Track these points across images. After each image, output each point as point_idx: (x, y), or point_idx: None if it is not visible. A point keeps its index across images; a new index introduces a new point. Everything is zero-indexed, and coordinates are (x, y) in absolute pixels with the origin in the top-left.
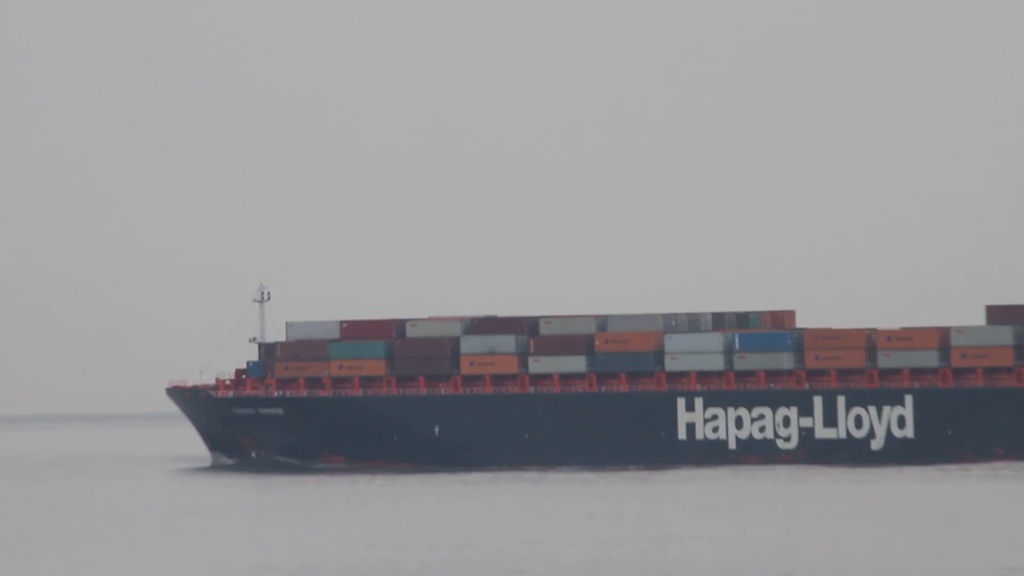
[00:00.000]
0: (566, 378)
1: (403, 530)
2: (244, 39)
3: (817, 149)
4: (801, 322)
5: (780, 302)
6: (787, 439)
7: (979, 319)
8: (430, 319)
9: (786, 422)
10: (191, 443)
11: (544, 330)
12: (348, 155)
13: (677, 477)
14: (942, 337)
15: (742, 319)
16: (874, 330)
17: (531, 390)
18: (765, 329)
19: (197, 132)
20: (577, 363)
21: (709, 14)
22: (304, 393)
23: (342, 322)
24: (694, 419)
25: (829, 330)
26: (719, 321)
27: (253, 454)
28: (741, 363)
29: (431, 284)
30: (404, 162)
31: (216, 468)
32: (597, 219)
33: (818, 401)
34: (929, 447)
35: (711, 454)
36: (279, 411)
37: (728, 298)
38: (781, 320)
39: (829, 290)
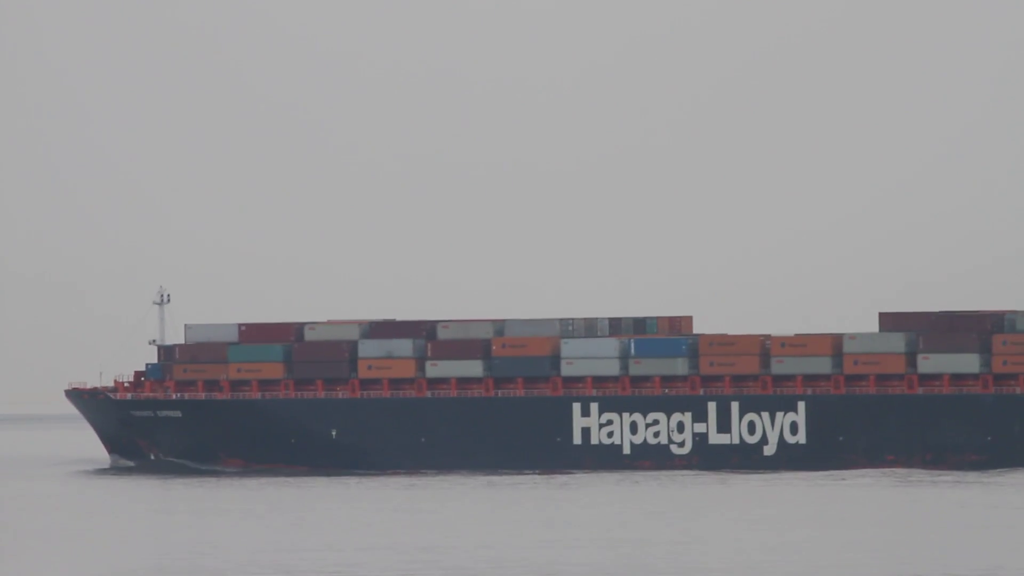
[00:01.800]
0: (463, 382)
1: (345, 533)
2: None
3: (712, 156)
4: (698, 328)
5: (679, 308)
6: (681, 444)
7: (872, 326)
8: (328, 323)
9: (680, 427)
10: (90, 445)
11: (442, 334)
12: (244, 157)
13: (607, 480)
14: (835, 344)
15: (639, 324)
16: (768, 336)
17: (428, 394)
18: (662, 335)
19: (94, 132)
20: (474, 367)
21: (597, 21)
22: (202, 395)
23: (241, 325)
24: (589, 424)
25: (724, 336)
26: (616, 326)
27: (152, 456)
28: (636, 368)
29: (330, 288)
30: (299, 165)
31: (115, 470)
32: (494, 223)
33: (712, 407)
34: (820, 453)
35: (606, 459)
36: (177, 413)
37: (628, 304)
38: (678, 326)
39: (726, 296)
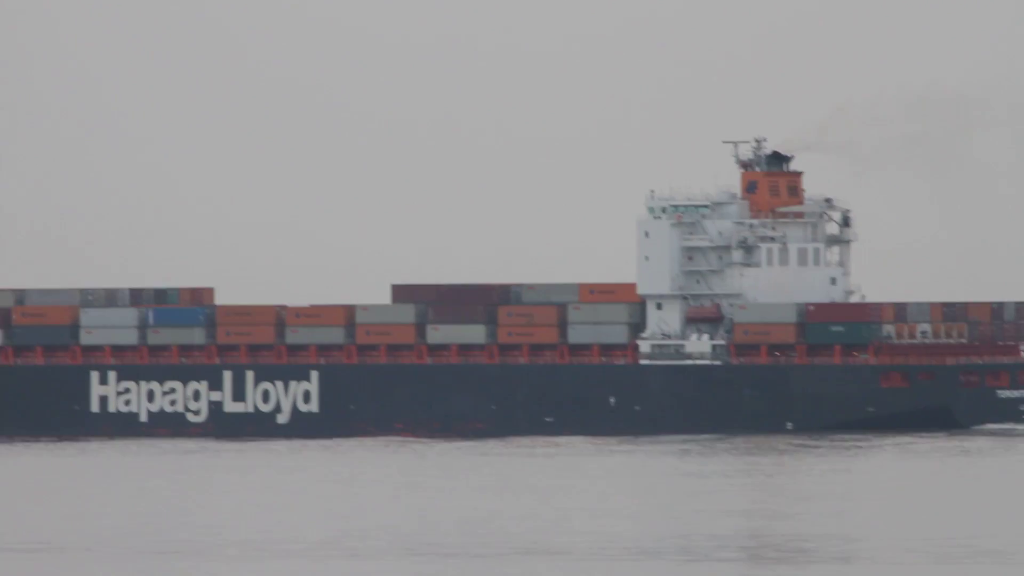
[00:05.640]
0: None
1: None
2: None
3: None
4: (220, 299)
5: (203, 279)
6: (197, 412)
7: (385, 298)
8: None
9: (196, 396)
10: None
11: None
12: None
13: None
14: (348, 315)
15: (160, 295)
16: (284, 307)
17: None
18: (183, 305)
19: None
20: None
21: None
22: None
23: None
24: (107, 392)
25: (241, 306)
26: (137, 297)
27: None
28: (155, 338)
29: None
30: None
31: None
32: (21, 195)
33: (228, 376)
34: (332, 421)
35: (123, 426)
36: None
37: (152, 275)
38: (200, 297)
39: (247, 268)
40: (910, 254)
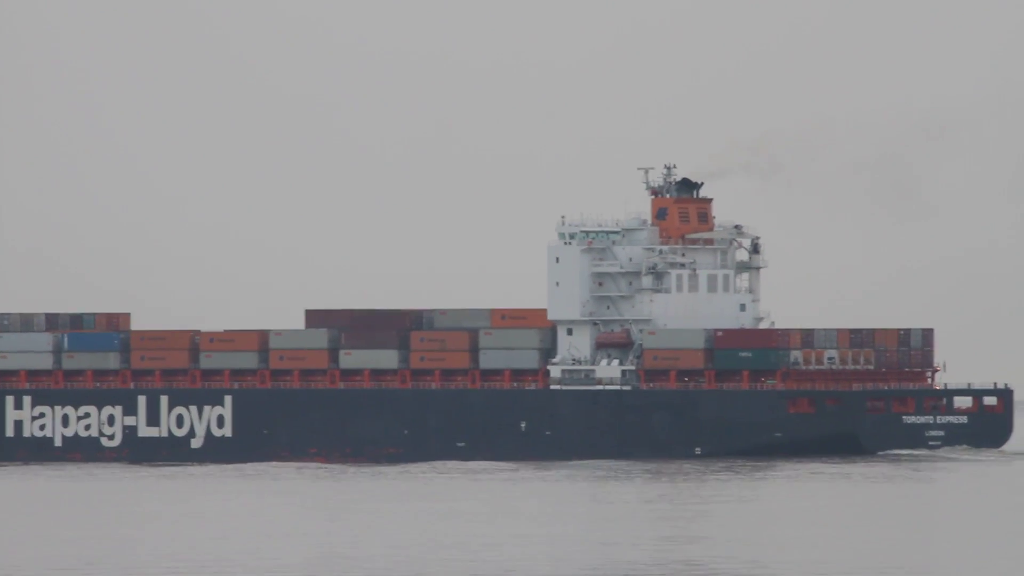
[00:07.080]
0: None
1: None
2: None
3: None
4: (135, 324)
5: (118, 305)
6: (111, 437)
7: (298, 323)
8: None
9: (111, 420)
10: None
11: None
12: None
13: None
14: (262, 340)
15: (76, 320)
16: (198, 332)
17: None
18: (99, 330)
19: None
20: None
21: None
22: None
23: None
24: (22, 416)
25: (155, 332)
26: (52, 322)
27: None
28: (70, 362)
29: None
30: None
31: None
32: None
33: (142, 400)
34: (246, 446)
35: (38, 451)
36: None
37: (70, 301)
38: (116, 322)
39: (162, 293)
40: (819, 280)
